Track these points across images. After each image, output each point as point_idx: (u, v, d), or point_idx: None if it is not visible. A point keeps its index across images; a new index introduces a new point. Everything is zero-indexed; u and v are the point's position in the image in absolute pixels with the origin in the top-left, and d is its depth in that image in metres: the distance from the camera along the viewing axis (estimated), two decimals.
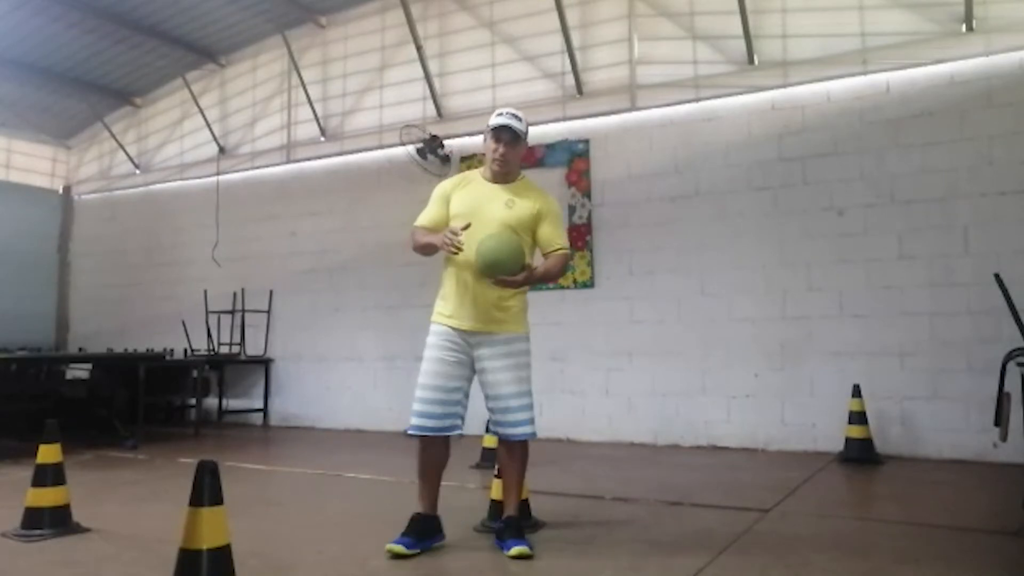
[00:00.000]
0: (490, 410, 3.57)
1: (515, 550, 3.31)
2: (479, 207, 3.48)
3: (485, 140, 3.64)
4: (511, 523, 3.50)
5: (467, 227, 3.32)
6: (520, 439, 3.54)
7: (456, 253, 3.30)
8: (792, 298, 6.64)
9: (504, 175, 3.58)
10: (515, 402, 3.51)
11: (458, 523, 3.90)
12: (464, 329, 3.48)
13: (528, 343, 3.65)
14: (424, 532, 3.44)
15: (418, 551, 3.37)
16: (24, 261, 10.96)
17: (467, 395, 3.56)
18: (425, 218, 3.60)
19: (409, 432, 3.52)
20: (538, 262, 3.59)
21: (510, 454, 3.57)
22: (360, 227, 8.84)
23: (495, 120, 3.56)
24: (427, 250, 3.56)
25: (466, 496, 4.75)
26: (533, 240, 3.57)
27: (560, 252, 3.56)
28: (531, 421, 3.55)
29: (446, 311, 3.53)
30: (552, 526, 3.90)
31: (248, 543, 3.16)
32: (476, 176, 3.66)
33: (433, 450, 3.52)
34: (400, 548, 3.33)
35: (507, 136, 3.53)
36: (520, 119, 3.56)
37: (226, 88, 10.16)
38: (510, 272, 3.29)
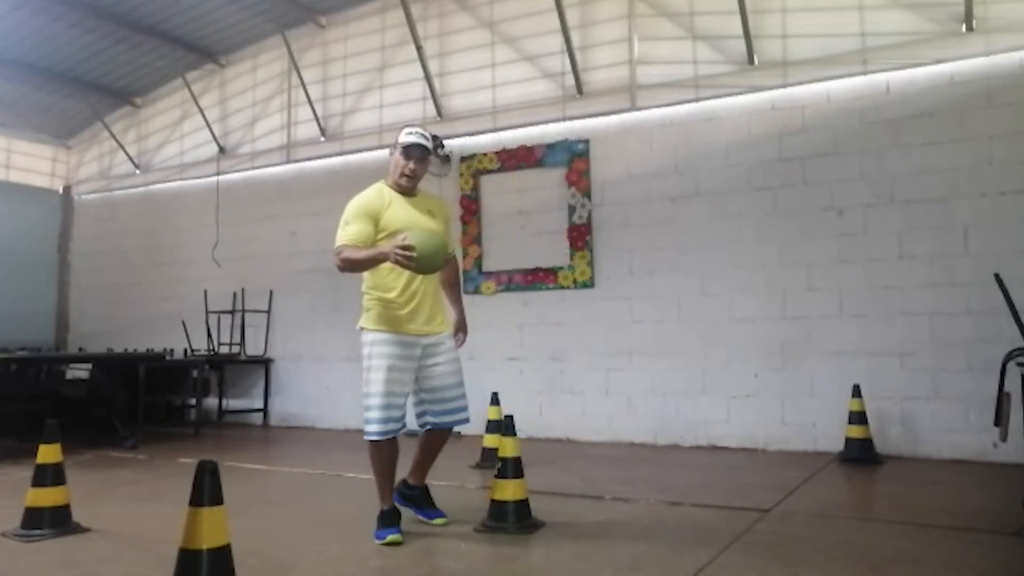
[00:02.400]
0: (428, 402, 3.84)
1: (437, 520, 3.90)
2: (413, 220, 3.76)
3: (392, 154, 3.94)
4: (426, 491, 4.02)
5: (405, 239, 3.47)
6: (458, 425, 3.92)
7: (409, 264, 3.43)
8: (792, 298, 6.64)
9: (412, 188, 3.91)
10: (456, 392, 3.88)
11: (458, 523, 3.91)
12: (417, 334, 3.75)
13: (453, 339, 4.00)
14: (398, 519, 3.73)
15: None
16: (24, 261, 10.96)
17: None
18: (356, 237, 3.77)
19: (375, 438, 3.67)
20: None
21: (442, 439, 3.96)
22: None
23: (405, 138, 3.85)
24: (365, 265, 3.75)
25: (466, 496, 4.75)
26: None
27: (454, 256, 4.15)
28: (467, 408, 3.94)
29: (394, 320, 3.73)
30: (552, 526, 3.89)
31: (248, 543, 3.16)
32: (387, 192, 3.91)
33: (393, 449, 3.76)
34: (398, 536, 3.59)
35: (417, 153, 3.84)
36: (427, 138, 3.89)
37: (226, 88, 10.16)
38: (441, 262, 3.59)
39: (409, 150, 3.82)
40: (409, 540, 3.65)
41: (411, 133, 3.84)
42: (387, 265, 3.61)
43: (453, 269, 4.20)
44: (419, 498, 4.03)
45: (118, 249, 10.92)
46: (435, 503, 4.04)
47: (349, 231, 3.79)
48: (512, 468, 3.84)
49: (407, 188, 3.89)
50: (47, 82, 10.16)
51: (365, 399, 3.69)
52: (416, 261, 3.41)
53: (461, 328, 4.10)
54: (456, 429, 3.97)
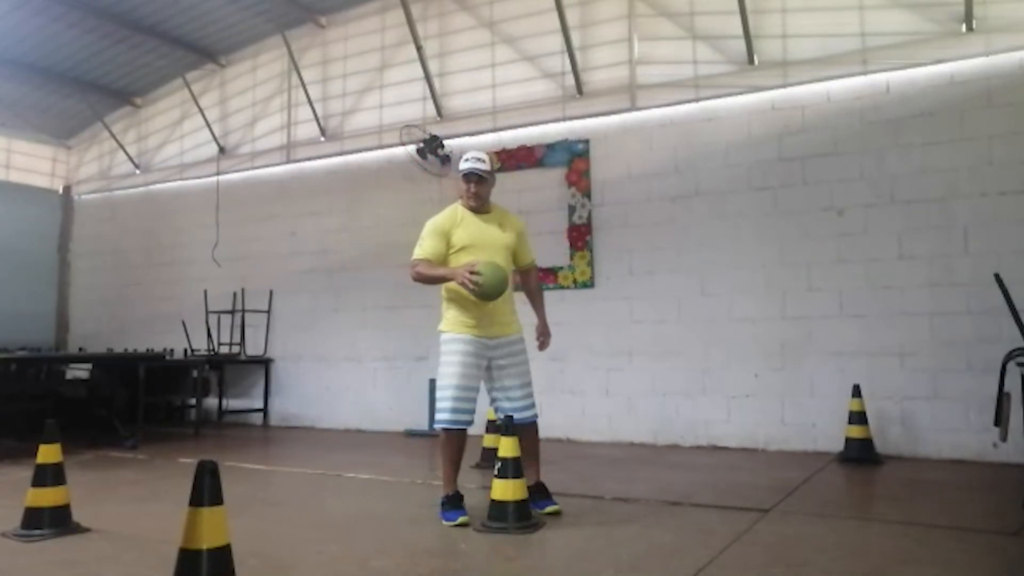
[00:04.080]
0: (500, 399, 4.21)
1: (548, 509, 4.05)
2: (483, 235, 4.16)
3: (459, 180, 4.24)
4: (539, 487, 4.15)
5: (474, 266, 3.90)
6: (525, 422, 4.16)
7: (475, 291, 3.87)
8: (792, 298, 6.64)
9: (481, 207, 4.24)
10: (523, 391, 4.19)
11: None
12: (487, 336, 4.12)
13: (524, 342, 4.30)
14: (462, 502, 4.04)
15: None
16: (24, 261, 10.96)
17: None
18: (430, 252, 4.13)
19: (446, 427, 4.05)
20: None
21: (526, 435, 4.14)
22: (360, 227, 8.84)
23: (463, 165, 4.19)
24: (435, 281, 4.16)
25: (466, 496, 4.75)
26: (513, 255, 4.33)
27: (534, 265, 4.53)
28: (535, 405, 4.25)
29: (467, 324, 4.12)
30: (552, 526, 3.89)
31: (248, 543, 3.16)
32: (461, 210, 4.24)
33: (461, 440, 4.13)
34: (465, 518, 3.91)
35: (474, 178, 4.17)
36: (484, 160, 4.18)
37: (226, 88, 10.17)
38: (500, 291, 3.96)
39: (467, 177, 4.17)
40: (409, 540, 3.65)
41: (467, 160, 4.18)
42: None
43: (534, 277, 4.54)
44: (533, 494, 4.10)
45: (118, 249, 10.92)
46: (549, 494, 4.19)
47: (424, 247, 4.15)
48: (512, 468, 3.85)
49: (477, 208, 4.23)
50: (47, 82, 10.16)
51: (439, 392, 4.13)
52: (480, 288, 3.83)
53: (543, 332, 4.43)
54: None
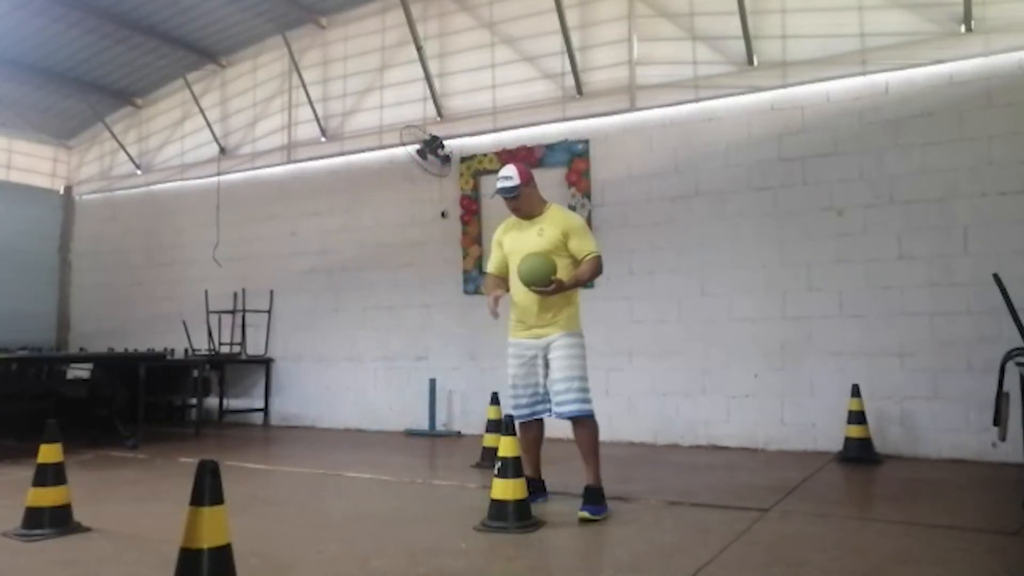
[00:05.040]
0: (551, 393, 4.30)
1: (580, 514, 4.00)
2: (518, 243, 4.39)
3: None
4: (585, 490, 4.13)
5: (497, 299, 4.40)
6: (567, 416, 4.22)
7: (496, 317, 4.35)
8: (792, 298, 6.64)
9: (528, 215, 4.43)
10: (563, 386, 4.22)
11: (458, 523, 3.92)
12: (528, 337, 4.37)
13: (580, 339, 4.44)
14: (531, 490, 4.10)
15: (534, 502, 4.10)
16: (25, 261, 10.96)
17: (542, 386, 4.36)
18: (491, 265, 4.64)
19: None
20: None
21: (577, 432, 4.26)
22: (360, 227, 8.85)
23: (496, 184, 4.38)
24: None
25: (466, 496, 4.76)
26: (571, 255, 4.35)
27: (589, 257, 4.34)
28: (580, 401, 4.23)
29: (513, 328, 4.47)
30: (552, 526, 3.90)
31: (248, 543, 3.16)
32: (512, 220, 4.53)
33: (526, 431, 4.40)
34: (541, 501, 4.23)
35: (506, 196, 4.37)
36: (510, 177, 4.31)
37: (227, 88, 10.17)
38: (543, 282, 4.12)
39: (502, 195, 4.37)
40: (409, 540, 3.66)
41: (498, 178, 4.36)
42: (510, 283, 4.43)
43: (583, 264, 4.33)
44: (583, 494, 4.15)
45: (119, 249, 10.93)
46: (594, 500, 4.11)
47: (489, 261, 4.66)
48: (512, 468, 3.85)
49: (523, 216, 4.45)
50: (48, 82, 10.16)
51: None
52: (523, 280, 4.18)
53: (557, 281, 4.20)
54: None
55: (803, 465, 5.70)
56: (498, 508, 3.83)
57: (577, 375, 4.26)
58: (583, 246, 4.34)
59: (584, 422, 4.22)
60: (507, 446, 3.87)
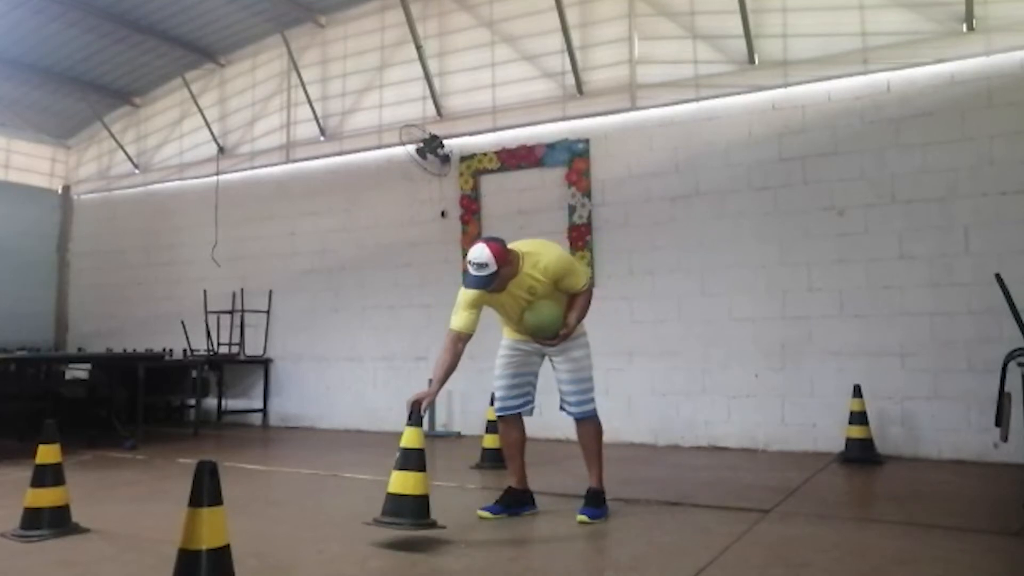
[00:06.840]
0: (561, 393, 4.24)
1: (579, 517, 3.95)
2: (509, 300, 4.10)
3: None
4: (587, 493, 4.11)
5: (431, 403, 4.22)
6: (576, 417, 4.18)
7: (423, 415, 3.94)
8: (792, 298, 6.63)
9: (504, 284, 4.01)
10: (571, 387, 4.18)
11: (457, 523, 3.90)
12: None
13: (585, 337, 4.29)
14: (512, 502, 4.13)
15: (504, 515, 4.06)
16: (23, 261, 10.95)
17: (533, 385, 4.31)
18: (460, 321, 4.18)
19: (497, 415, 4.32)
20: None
21: (581, 432, 4.23)
22: (359, 227, 8.84)
23: (469, 275, 3.97)
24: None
25: (466, 496, 4.75)
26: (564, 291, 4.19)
27: (580, 293, 4.19)
28: (590, 402, 4.19)
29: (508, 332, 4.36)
30: (552, 526, 3.89)
31: (248, 543, 3.15)
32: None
33: (507, 427, 4.28)
34: (486, 514, 4.03)
35: (486, 288, 3.96)
36: (485, 264, 3.84)
37: (225, 88, 10.16)
38: (551, 336, 4.05)
39: (476, 288, 4.00)
40: (409, 540, 3.64)
41: (470, 264, 3.90)
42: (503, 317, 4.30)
43: (580, 297, 4.21)
44: (585, 496, 4.12)
45: (117, 249, 10.91)
46: (593, 503, 4.07)
47: (457, 315, 4.17)
48: (414, 460, 3.55)
49: (502, 288, 4.05)
50: (46, 82, 10.15)
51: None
52: (530, 334, 4.13)
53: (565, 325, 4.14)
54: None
55: (804, 466, 5.69)
56: (394, 502, 3.54)
57: (587, 376, 4.22)
58: (574, 282, 4.15)
59: (589, 421, 4.21)
60: (410, 437, 3.61)
